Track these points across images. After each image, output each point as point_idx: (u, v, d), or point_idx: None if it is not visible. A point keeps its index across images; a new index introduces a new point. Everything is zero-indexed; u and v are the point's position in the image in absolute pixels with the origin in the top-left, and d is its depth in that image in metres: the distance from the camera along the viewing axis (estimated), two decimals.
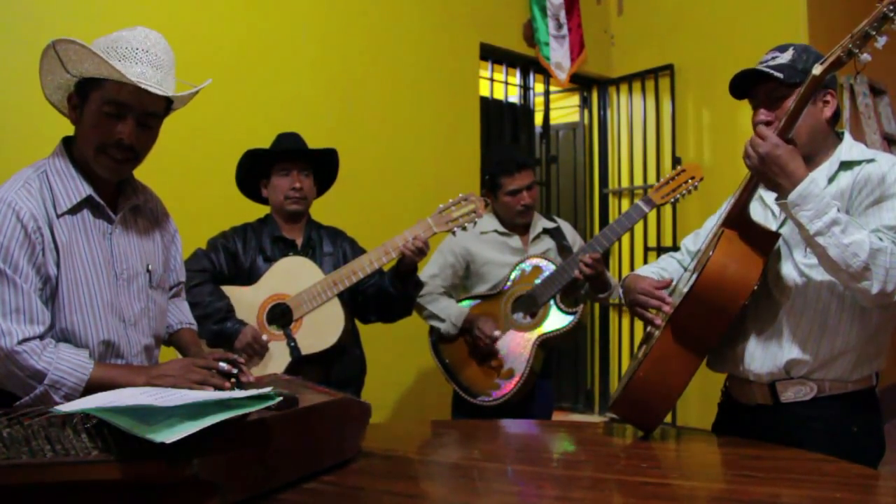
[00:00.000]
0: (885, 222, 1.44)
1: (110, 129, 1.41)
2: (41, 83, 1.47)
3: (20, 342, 1.33)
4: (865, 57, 1.32)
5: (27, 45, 2.54)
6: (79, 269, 1.43)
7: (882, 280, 1.37)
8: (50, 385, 1.34)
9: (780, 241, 1.57)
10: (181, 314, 1.79)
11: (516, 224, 2.61)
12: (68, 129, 1.52)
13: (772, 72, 1.52)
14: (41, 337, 1.37)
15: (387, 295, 2.26)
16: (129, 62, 1.39)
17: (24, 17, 2.53)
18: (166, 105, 1.49)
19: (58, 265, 1.41)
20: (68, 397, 1.34)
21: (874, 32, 1.29)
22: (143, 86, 1.38)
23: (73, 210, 1.45)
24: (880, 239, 1.39)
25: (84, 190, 1.46)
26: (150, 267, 1.58)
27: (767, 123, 1.53)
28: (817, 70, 1.36)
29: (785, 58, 1.55)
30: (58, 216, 1.42)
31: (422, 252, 2.17)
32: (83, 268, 1.44)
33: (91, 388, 1.35)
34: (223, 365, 1.41)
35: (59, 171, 1.45)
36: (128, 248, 1.53)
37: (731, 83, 1.61)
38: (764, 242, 1.54)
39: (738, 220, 1.57)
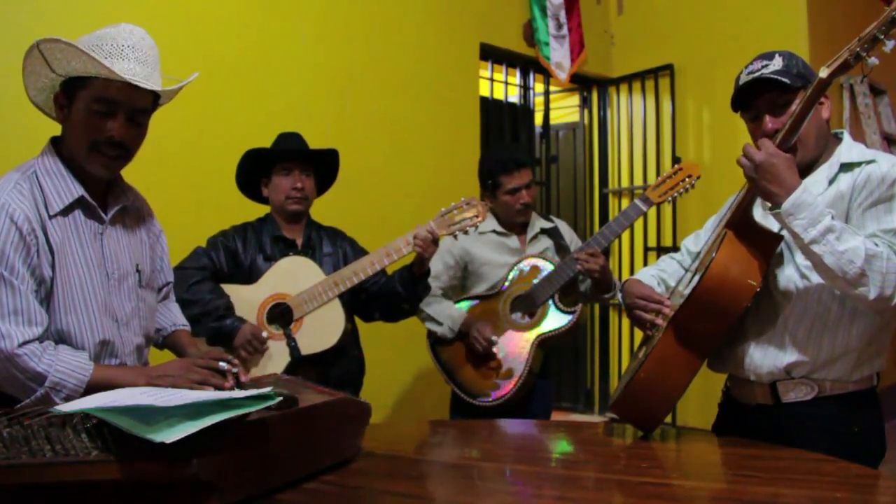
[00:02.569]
0: (882, 225, 1.43)
1: (100, 126, 1.41)
2: (25, 84, 1.46)
3: (20, 345, 1.33)
4: (873, 60, 1.30)
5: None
6: (72, 271, 1.43)
7: (879, 285, 1.36)
8: (51, 387, 1.34)
9: (782, 244, 1.57)
10: (173, 316, 1.78)
11: (515, 223, 2.61)
12: (57, 129, 1.51)
13: (780, 77, 1.50)
14: (40, 339, 1.37)
15: (395, 295, 2.27)
16: (115, 59, 1.38)
17: (25, 17, 2.53)
18: (153, 100, 1.49)
19: (52, 267, 1.40)
20: (69, 399, 1.34)
21: (882, 36, 1.27)
22: (133, 82, 1.37)
23: (65, 211, 1.44)
24: (876, 244, 1.38)
25: (76, 190, 1.45)
26: (139, 266, 1.58)
27: (777, 131, 1.51)
28: (824, 73, 1.34)
29: (777, 64, 1.53)
30: (50, 217, 1.41)
31: (436, 242, 2.18)
32: (77, 269, 1.43)
33: (91, 389, 1.35)
34: (223, 364, 1.41)
35: (49, 171, 1.44)
36: (118, 248, 1.53)
37: (737, 93, 1.58)
38: (766, 244, 1.53)
39: (741, 222, 1.56)
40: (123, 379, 1.38)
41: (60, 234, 1.42)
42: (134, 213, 1.62)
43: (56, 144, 1.50)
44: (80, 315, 1.43)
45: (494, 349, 2.48)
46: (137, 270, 1.57)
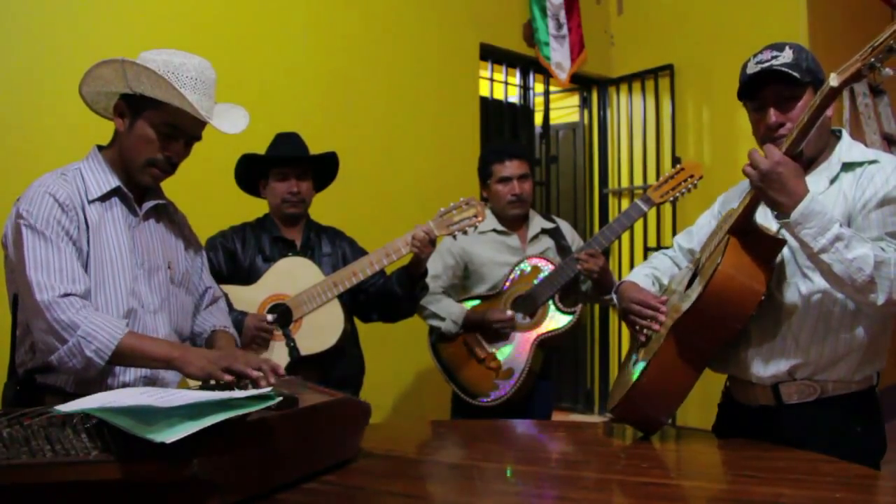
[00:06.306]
0: (888, 228, 1.43)
1: (163, 146, 1.55)
2: (86, 78, 1.55)
3: (61, 295, 1.41)
4: (887, 72, 1.27)
5: (26, 45, 2.54)
6: (105, 251, 1.52)
7: (888, 290, 1.36)
8: (82, 336, 1.39)
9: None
10: (214, 319, 1.81)
11: (509, 217, 2.58)
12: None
13: (790, 71, 1.48)
14: (82, 297, 1.44)
15: (393, 295, 2.26)
16: (188, 91, 1.50)
17: (25, 18, 2.53)
18: None
19: (88, 243, 1.51)
20: (98, 353, 1.40)
21: None
22: (212, 124, 1.52)
23: (103, 198, 1.55)
24: (883, 249, 1.38)
25: (113, 181, 1.56)
26: (170, 264, 1.65)
27: (780, 125, 1.50)
28: (835, 82, 1.31)
29: (787, 57, 1.51)
30: (89, 202, 1.53)
31: (433, 242, 2.18)
32: (109, 250, 1.53)
33: (121, 352, 1.42)
34: (258, 372, 1.42)
35: (91, 167, 1.57)
36: (150, 242, 1.62)
37: (744, 84, 1.56)
38: (770, 250, 1.51)
39: (745, 228, 1.53)
40: (153, 349, 1.45)
41: (97, 217, 1.53)
42: (169, 216, 1.71)
43: (100, 149, 1.61)
44: (107, 292, 1.52)
45: (491, 349, 2.48)
46: (169, 267, 1.64)
